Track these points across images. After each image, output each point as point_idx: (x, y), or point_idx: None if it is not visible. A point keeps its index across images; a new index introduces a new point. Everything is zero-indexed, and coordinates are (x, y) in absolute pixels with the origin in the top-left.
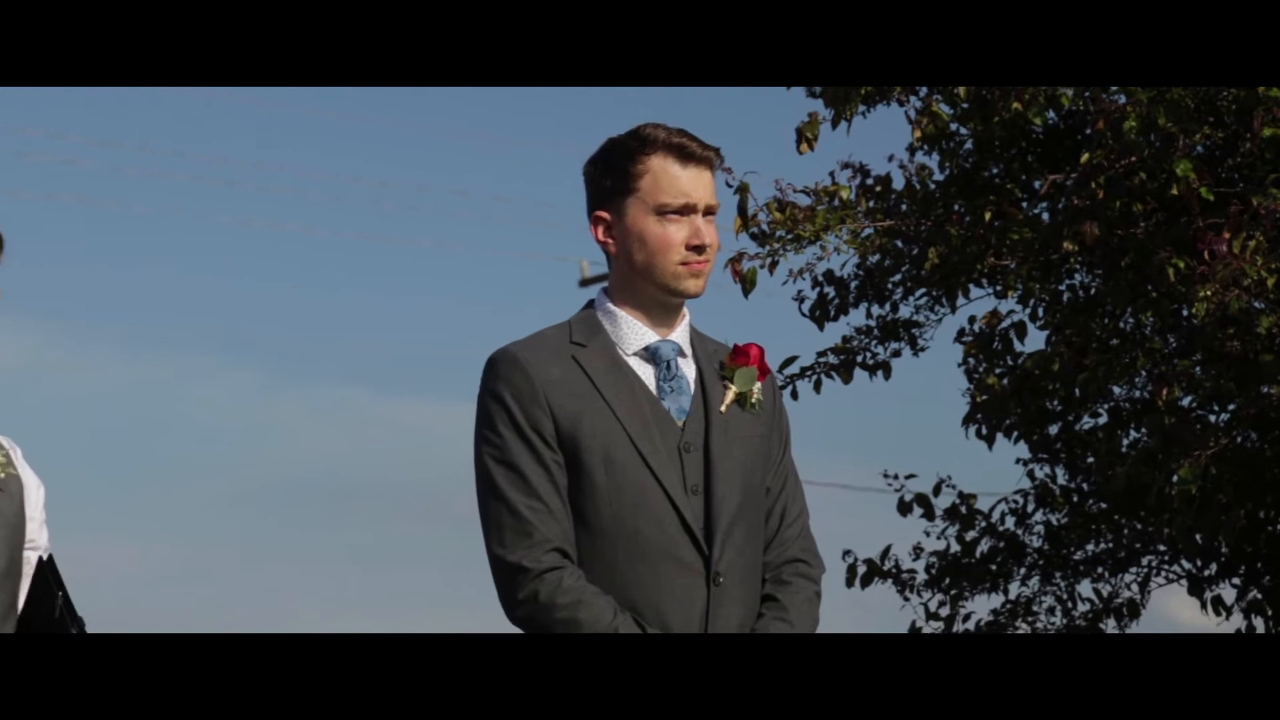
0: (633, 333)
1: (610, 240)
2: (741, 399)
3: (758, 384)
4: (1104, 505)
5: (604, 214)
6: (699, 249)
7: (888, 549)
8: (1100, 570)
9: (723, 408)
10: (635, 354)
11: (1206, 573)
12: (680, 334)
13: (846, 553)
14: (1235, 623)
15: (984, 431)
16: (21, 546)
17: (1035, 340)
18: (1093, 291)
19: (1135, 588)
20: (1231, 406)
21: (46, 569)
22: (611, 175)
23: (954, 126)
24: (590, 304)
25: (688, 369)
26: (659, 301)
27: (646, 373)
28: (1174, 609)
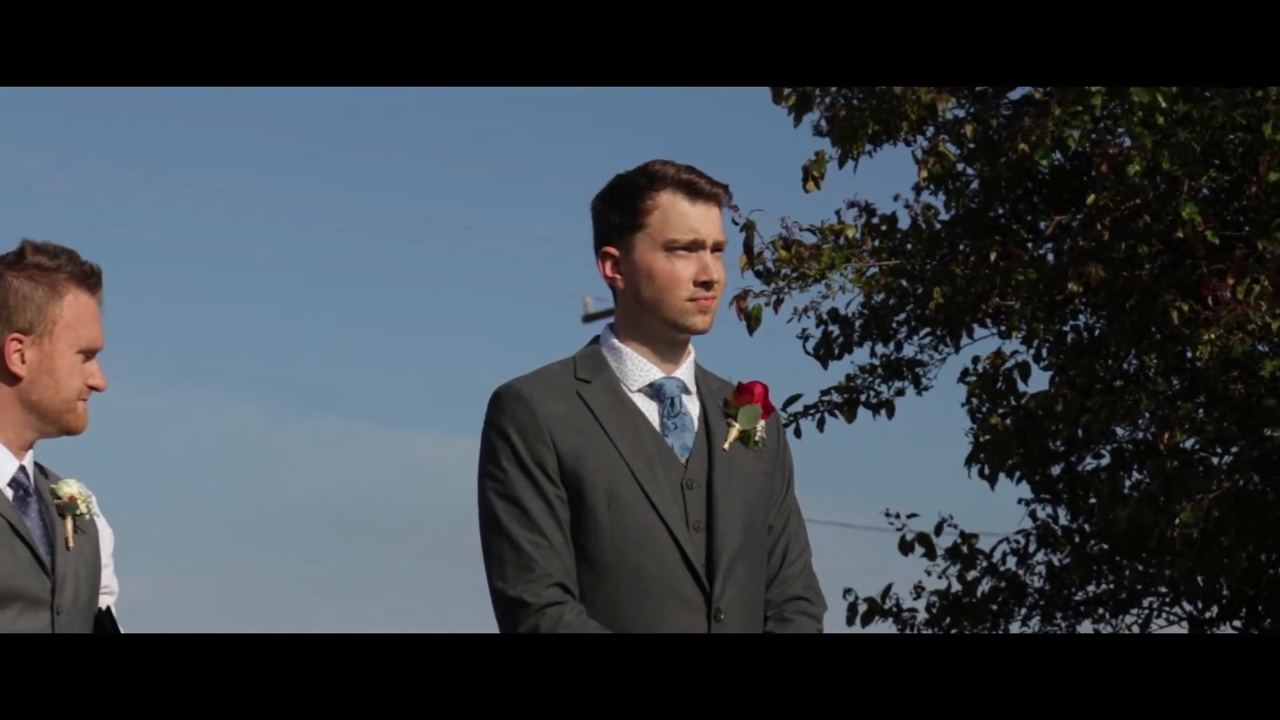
0: (638, 369)
1: (618, 276)
2: (745, 437)
3: (761, 422)
4: (1106, 546)
5: (612, 250)
6: (707, 285)
7: (889, 588)
8: (1101, 611)
9: (726, 445)
10: (639, 390)
11: (1208, 614)
12: (685, 371)
13: (848, 591)
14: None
15: (986, 471)
16: (99, 588)
17: (1039, 381)
18: (1097, 333)
19: (1137, 629)
20: (1234, 449)
21: (105, 619)
22: (620, 211)
23: (960, 167)
24: (596, 340)
25: (692, 406)
26: (666, 338)
27: (650, 409)
28: None
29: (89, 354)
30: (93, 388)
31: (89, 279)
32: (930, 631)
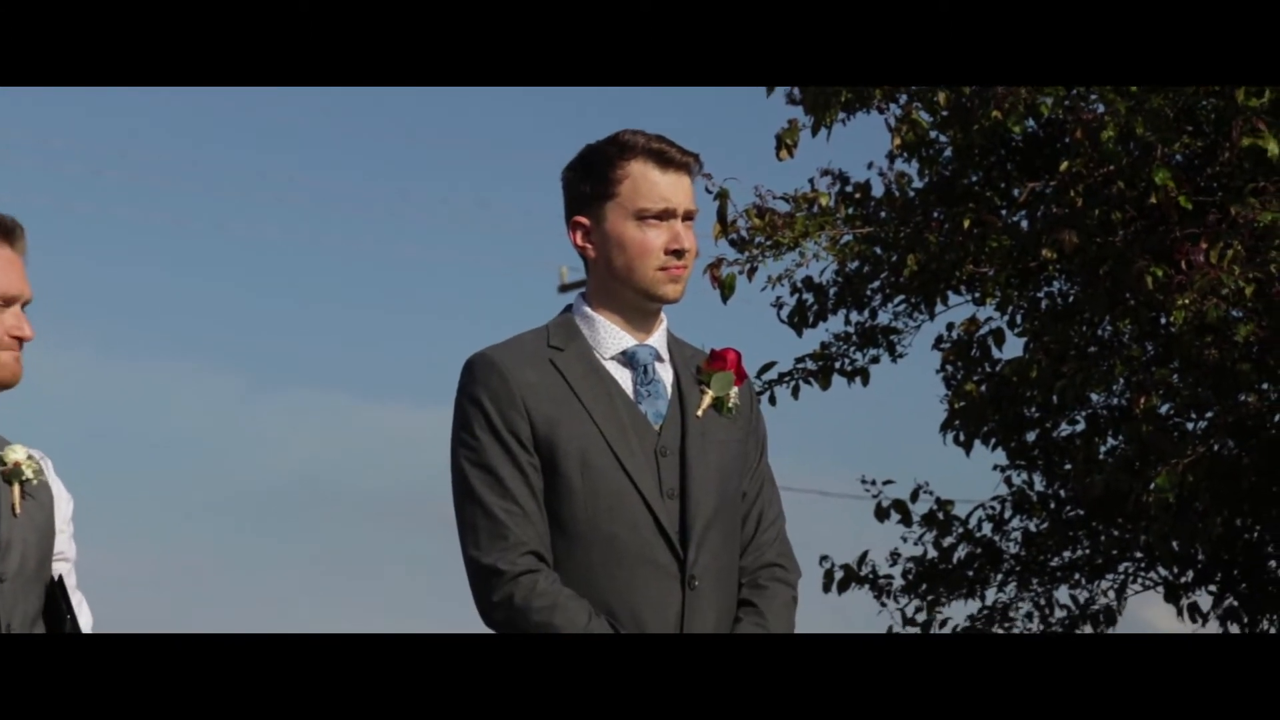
0: (610, 337)
1: (589, 245)
2: (718, 403)
3: (735, 389)
4: (1081, 512)
5: (582, 219)
6: (678, 254)
7: (865, 554)
8: (1077, 576)
9: (699, 412)
10: (612, 358)
11: (1183, 579)
12: (658, 339)
13: (824, 558)
14: (1211, 629)
15: (962, 438)
16: (51, 553)
17: (1013, 347)
18: (1071, 299)
19: (1112, 594)
20: (1209, 414)
21: (57, 589)
22: (590, 181)
23: (933, 134)
24: (568, 309)
25: (665, 374)
26: (637, 306)
27: (624, 377)
28: (1150, 615)
29: (6, 302)
30: (16, 338)
31: (3, 233)
32: (907, 599)
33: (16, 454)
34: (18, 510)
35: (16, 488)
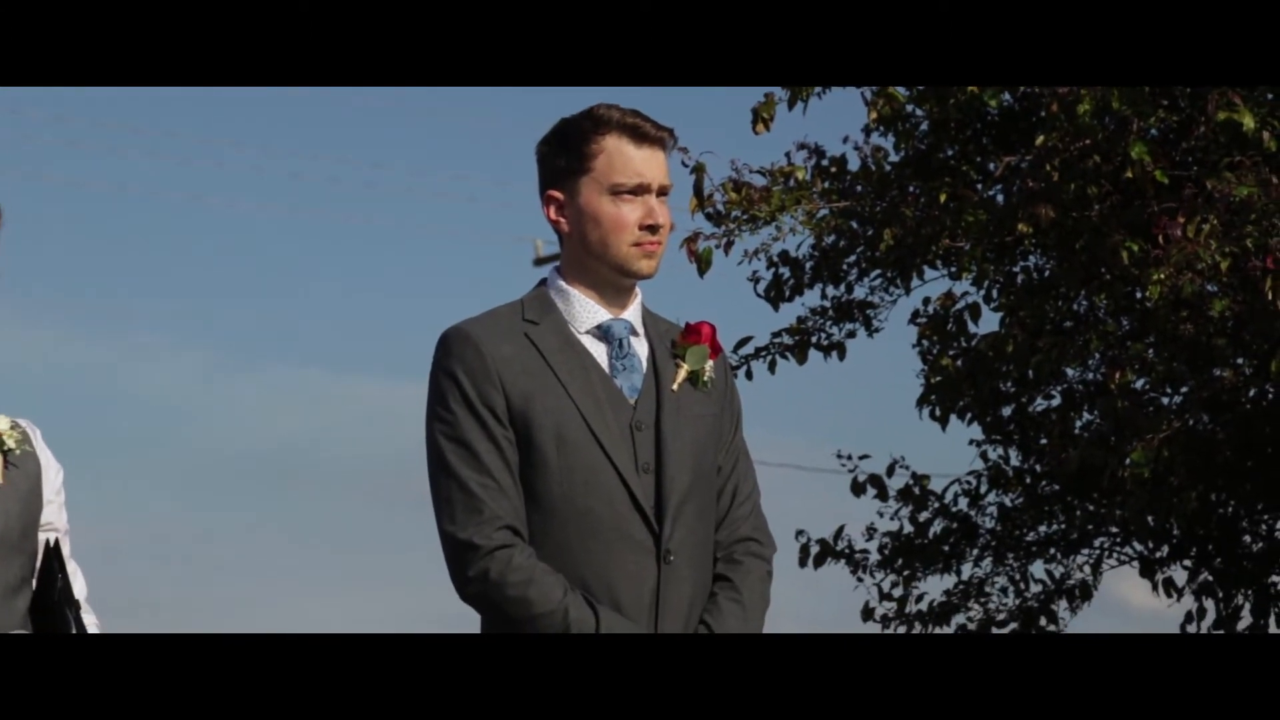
0: (585, 311)
1: (563, 219)
2: (694, 377)
3: (710, 362)
4: (1056, 487)
5: (557, 193)
6: (652, 229)
7: (841, 529)
8: (1053, 551)
9: (675, 386)
10: (588, 332)
11: (1158, 555)
12: (633, 313)
13: (800, 533)
14: (1186, 604)
15: (937, 413)
16: (36, 523)
17: (989, 322)
18: (1047, 274)
19: (1087, 569)
20: (1184, 390)
21: (52, 553)
22: (565, 155)
23: (909, 108)
24: (543, 282)
25: (640, 348)
26: (611, 281)
27: (599, 351)
28: (1126, 590)
29: None
30: None
31: None
32: (883, 573)
33: None
34: (0, 480)
35: None
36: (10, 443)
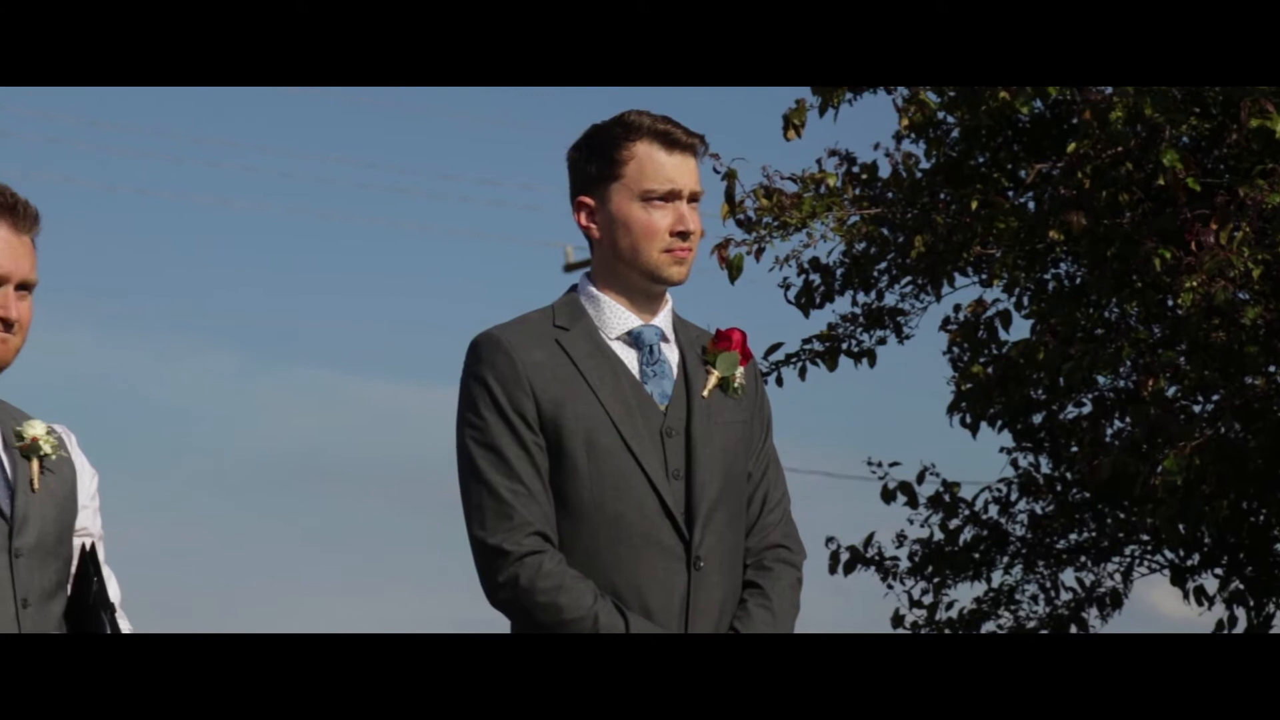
0: (616, 317)
1: (593, 226)
2: (724, 384)
3: (740, 369)
4: (1087, 494)
5: (588, 200)
6: (683, 235)
7: (871, 536)
8: (1083, 559)
9: (705, 392)
10: (618, 338)
11: (1189, 563)
12: (663, 319)
13: (829, 540)
14: (1217, 613)
15: (968, 420)
16: (71, 528)
17: (1020, 329)
18: (1078, 281)
19: (1118, 577)
20: (1216, 397)
21: (88, 557)
22: (596, 161)
23: (941, 115)
24: (573, 288)
25: (670, 354)
26: (642, 288)
27: (629, 357)
28: (1156, 599)
29: None
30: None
31: None
32: (913, 581)
33: (35, 429)
34: (36, 485)
35: (35, 463)
36: (46, 448)
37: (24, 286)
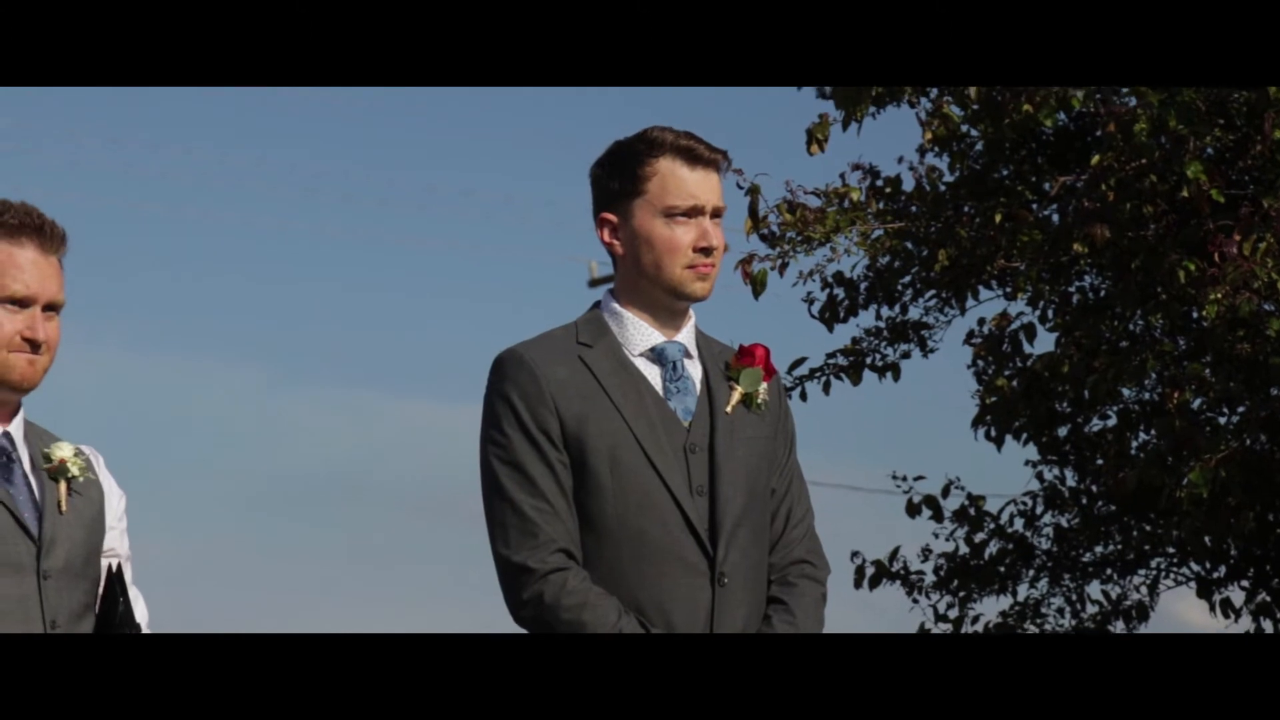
0: (639, 334)
1: (616, 242)
2: (747, 399)
3: (763, 384)
4: (1113, 507)
5: (610, 216)
6: (706, 251)
7: (896, 550)
8: (1109, 572)
9: (728, 408)
10: (641, 355)
11: (1215, 575)
12: (686, 335)
13: (855, 554)
14: (1244, 625)
15: (993, 433)
16: (100, 549)
17: (1044, 342)
18: (1102, 293)
19: (1144, 590)
20: (1241, 409)
21: (114, 578)
22: (619, 177)
23: (964, 128)
24: (596, 305)
25: (694, 370)
26: (665, 304)
27: (653, 373)
28: (1183, 611)
29: (19, 303)
30: (28, 339)
31: (19, 231)
32: (938, 595)
33: (63, 451)
34: (63, 507)
35: (63, 485)
36: (74, 470)
37: (51, 307)
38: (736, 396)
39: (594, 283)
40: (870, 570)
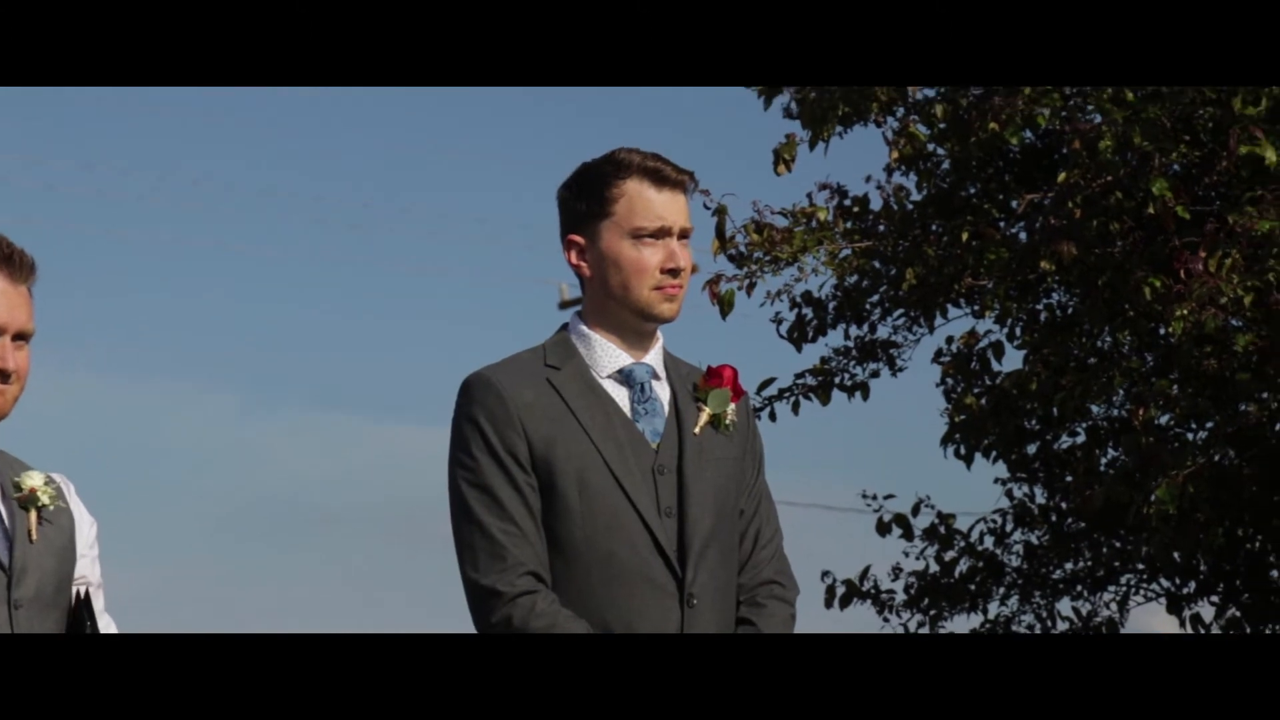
0: (607, 355)
1: (584, 264)
2: (715, 421)
3: (731, 405)
4: (1082, 524)
5: (578, 238)
6: (674, 272)
7: (867, 569)
8: (1079, 589)
9: (696, 430)
10: (609, 376)
11: (1185, 590)
12: (654, 357)
13: (825, 573)
14: None
15: (962, 451)
16: (71, 577)
17: (1013, 360)
18: (1070, 311)
19: (1114, 606)
20: (1209, 425)
21: (82, 603)
22: (586, 199)
23: (931, 147)
24: (564, 327)
25: (661, 391)
26: (633, 325)
27: (620, 395)
28: (1153, 627)
29: None
30: None
31: None
32: (909, 613)
33: (33, 479)
34: (34, 536)
35: (33, 513)
36: (44, 499)
37: (21, 336)
38: (704, 418)
39: (564, 304)
40: (841, 589)
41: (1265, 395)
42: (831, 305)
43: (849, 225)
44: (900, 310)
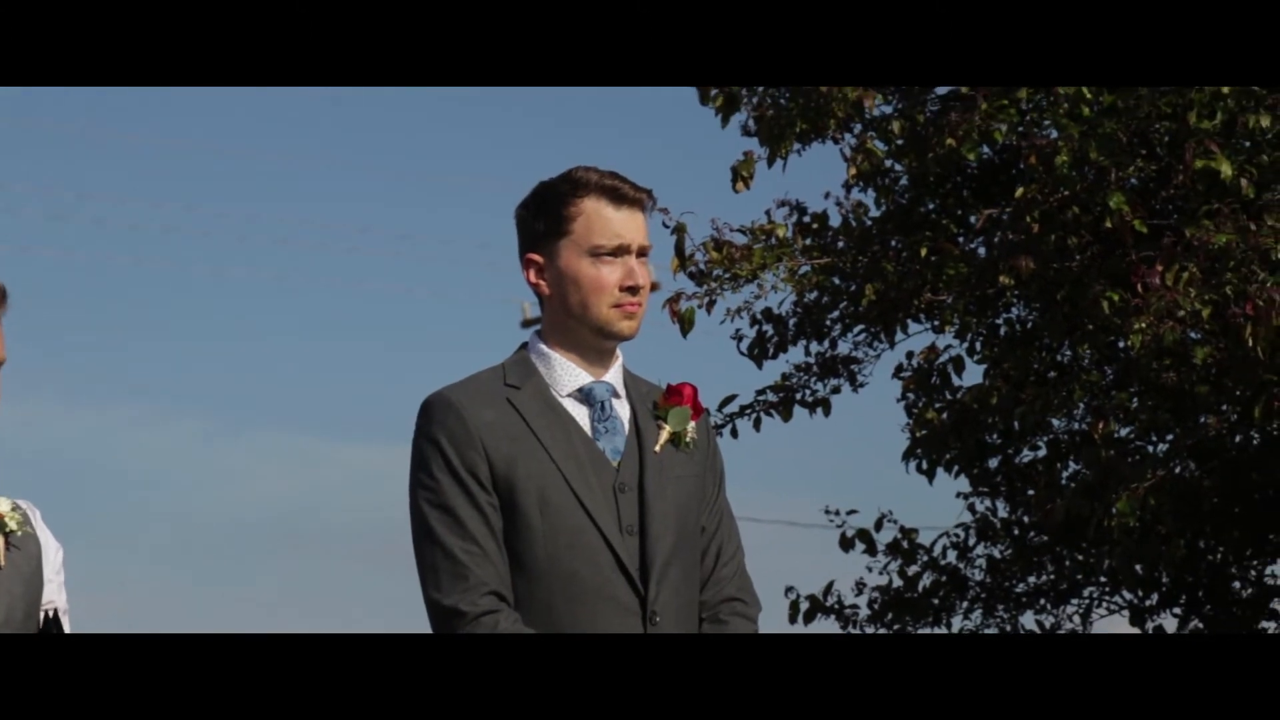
0: (566, 374)
1: (543, 282)
2: (676, 438)
3: (691, 423)
4: (1045, 537)
5: (536, 256)
6: (633, 290)
7: (830, 585)
8: (1042, 602)
9: (657, 447)
10: (569, 395)
11: (1148, 603)
12: (614, 375)
13: (789, 589)
14: None
15: (924, 466)
16: (39, 604)
17: (973, 374)
18: (1029, 325)
19: (1077, 619)
20: (1169, 437)
21: (50, 623)
22: (544, 218)
23: (889, 163)
24: (524, 346)
25: (622, 410)
26: (592, 344)
27: (581, 414)
28: None
29: None
30: None
31: None
32: (873, 628)
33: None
34: (1, 562)
35: (1, 540)
36: (12, 524)
37: None
38: (665, 435)
39: (526, 323)
40: (805, 605)
41: (1224, 407)
42: (792, 322)
43: (808, 242)
44: (860, 326)
